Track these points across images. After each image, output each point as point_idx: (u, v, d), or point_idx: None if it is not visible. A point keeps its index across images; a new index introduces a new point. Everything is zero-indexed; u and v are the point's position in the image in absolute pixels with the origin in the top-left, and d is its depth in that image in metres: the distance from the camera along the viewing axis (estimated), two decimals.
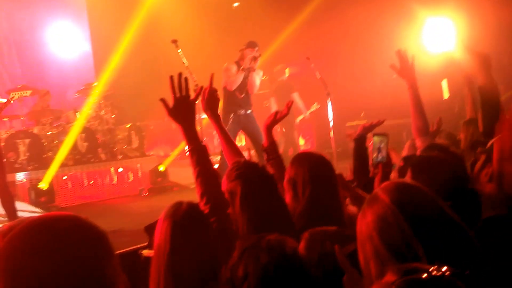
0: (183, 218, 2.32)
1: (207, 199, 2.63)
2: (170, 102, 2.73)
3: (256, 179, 2.69)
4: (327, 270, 1.95)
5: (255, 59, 7.85)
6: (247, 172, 2.70)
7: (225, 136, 3.28)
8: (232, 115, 7.95)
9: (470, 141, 4.32)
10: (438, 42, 11.79)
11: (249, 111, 8.10)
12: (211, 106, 3.17)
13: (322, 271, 2.01)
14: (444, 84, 12.00)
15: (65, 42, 12.76)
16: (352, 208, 3.12)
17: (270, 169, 3.18)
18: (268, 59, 11.11)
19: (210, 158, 2.77)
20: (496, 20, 10.38)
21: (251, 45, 7.95)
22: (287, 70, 11.04)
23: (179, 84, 2.74)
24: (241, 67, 7.86)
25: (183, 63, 7.20)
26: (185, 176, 9.73)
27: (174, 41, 7.17)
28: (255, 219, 2.58)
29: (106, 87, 10.35)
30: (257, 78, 8.02)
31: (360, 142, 3.92)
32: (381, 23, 11.74)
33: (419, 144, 3.75)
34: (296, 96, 10.69)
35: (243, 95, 8.05)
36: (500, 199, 2.22)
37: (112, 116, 10.45)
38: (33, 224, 1.25)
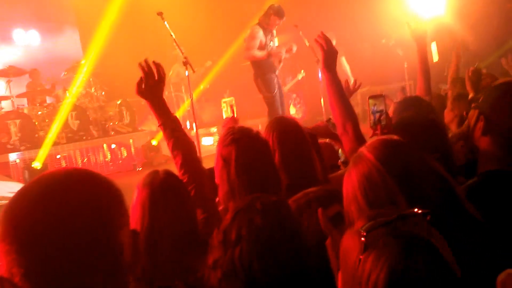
0: (161, 186, 2.32)
1: (185, 169, 2.67)
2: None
3: (250, 144, 2.67)
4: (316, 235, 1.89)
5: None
6: (241, 137, 2.68)
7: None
8: (274, 76, 7.91)
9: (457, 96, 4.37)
10: (427, 6, 11.73)
11: (278, 72, 8.04)
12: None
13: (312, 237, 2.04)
14: (433, 47, 12.00)
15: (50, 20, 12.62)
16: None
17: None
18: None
19: (182, 129, 2.79)
20: None
21: (280, 14, 7.83)
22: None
23: (147, 66, 2.85)
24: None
25: (170, 35, 7.14)
26: None
27: (160, 14, 7.08)
28: (249, 184, 2.58)
29: (94, 64, 10.28)
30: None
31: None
32: None
33: None
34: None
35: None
36: (497, 154, 2.21)
37: (102, 93, 10.43)
38: (41, 178, 1.17)
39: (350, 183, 1.76)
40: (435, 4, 11.58)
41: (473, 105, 3.32)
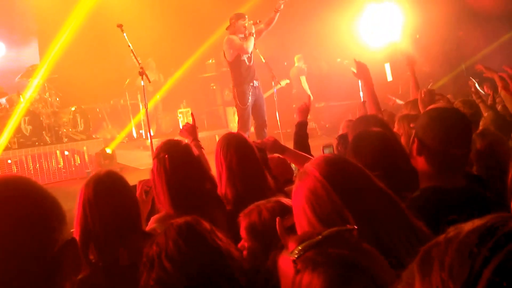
0: (101, 182, 2.47)
1: None
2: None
3: (175, 158, 2.83)
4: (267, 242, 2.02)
5: (255, 24, 7.91)
6: (167, 151, 2.86)
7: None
8: (249, 87, 7.93)
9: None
10: (381, 33, 12.01)
11: (257, 83, 8.08)
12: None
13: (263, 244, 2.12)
14: (387, 68, 12.34)
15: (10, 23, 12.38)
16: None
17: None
18: (215, 44, 11.15)
19: None
20: (441, 6, 10.70)
21: (241, 16, 7.97)
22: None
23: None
24: (249, 32, 7.84)
25: (128, 46, 7.19)
26: (132, 158, 9.73)
27: (120, 26, 7.15)
28: (173, 194, 2.78)
29: (50, 70, 10.16)
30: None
31: (301, 127, 4.02)
32: (317, 9, 11.91)
33: None
34: None
35: (251, 63, 8.05)
36: (430, 172, 2.37)
37: (56, 99, 10.29)
38: None
39: (298, 198, 1.84)
40: (391, 30, 11.91)
41: (411, 125, 3.53)
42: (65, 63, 10.81)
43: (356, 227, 1.36)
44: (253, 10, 12.04)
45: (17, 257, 1.08)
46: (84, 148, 10.02)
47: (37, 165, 9.28)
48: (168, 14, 12.74)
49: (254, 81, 8.00)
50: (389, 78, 12.42)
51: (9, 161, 8.99)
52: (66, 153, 9.75)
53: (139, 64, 7.11)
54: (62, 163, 9.64)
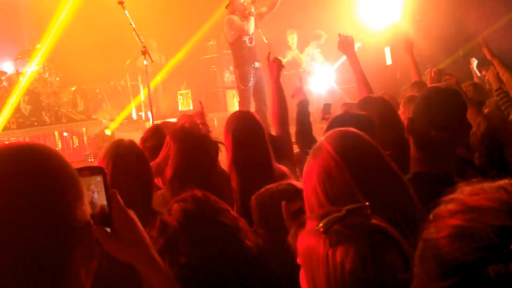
0: (124, 152, 2.45)
1: None
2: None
3: (184, 139, 2.79)
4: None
5: (253, 2, 7.81)
6: (178, 133, 2.83)
7: None
8: (251, 68, 7.84)
9: None
10: (381, 14, 11.94)
11: (259, 64, 7.97)
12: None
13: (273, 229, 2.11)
14: (387, 51, 12.26)
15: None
16: None
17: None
18: (216, 25, 11.07)
19: None
20: None
21: None
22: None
23: None
24: (248, 12, 7.71)
25: (130, 24, 7.11)
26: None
27: (121, 3, 7.05)
28: (182, 174, 2.71)
29: (50, 49, 10.07)
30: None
31: (303, 106, 3.96)
32: None
33: None
34: None
35: (253, 44, 7.95)
36: (417, 157, 2.35)
37: (56, 79, 10.22)
38: None
39: (309, 176, 1.80)
40: (391, 11, 11.82)
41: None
42: (64, 42, 10.72)
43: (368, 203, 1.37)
44: None
45: (26, 235, 0.97)
46: (83, 129, 9.97)
47: None
48: None
49: (256, 63, 7.94)
50: (389, 62, 12.34)
51: (7, 142, 8.94)
52: (65, 134, 9.70)
53: (141, 43, 7.03)
54: (60, 145, 9.59)
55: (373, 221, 1.33)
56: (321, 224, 1.29)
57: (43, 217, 0.99)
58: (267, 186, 2.28)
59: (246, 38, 7.85)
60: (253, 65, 7.90)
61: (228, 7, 7.98)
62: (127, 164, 2.41)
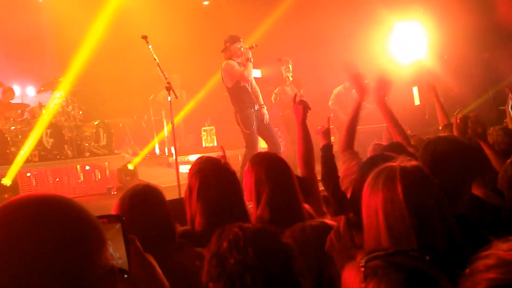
0: (137, 194, 2.58)
1: None
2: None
3: (214, 175, 2.86)
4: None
5: (251, 48, 7.80)
6: (206, 167, 2.90)
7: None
8: (252, 111, 7.79)
9: None
10: (408, 50, 11.92)
11: (257, 107, 7.93)
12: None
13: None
14: (415, 91, 12.16)
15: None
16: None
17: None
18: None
19: None
20: (466, 25, 10.48)
21: (236, 39, 7.86)
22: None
23: None
24: (247, 58, 7.71)
25: (154, 59, 7.07)
26: (154, 175, 9.58)
27: (145, 37, 7.03)
28: (208, 212, 2.79)
29: (73, 82, 10.10)
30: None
31: (327, 149, 3.86)
32: (349, 26, 11.77)
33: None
34: None
35: (252, 88, 7.94)
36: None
37: (79, 112, 10.24)
38: (14, 203, 1.09)
39: (373, 197, 1.81)
40: (416, 48, 11.76)
41: None
42: (88, 75, 10.75)
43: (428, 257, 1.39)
44: (278, 27, 12.03)
45: (53, 282, 1.01)
46: (106, 163, 9.94)
47: (57, 179, 9.19)
48: (191, 27, 12.72)
49: (255, 106, 7.87)
50: (417, 102, 12.23)
51: (28, 174, 8.92)
52: (87, 168, 9.68)
53: (166, 78, 6.97)
54: (82, 178, 9.57)
55: (419, 264, 1.34)
56: (363, 259, 1.35)
57: (69, 263, 1.02)
58: (299, 223, 2.32)
59: (246, 83, 7.81)
60: (254, 108, 7.84)
61: (225, 52, 7.92)
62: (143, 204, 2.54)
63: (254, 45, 7.92)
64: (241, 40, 7.88)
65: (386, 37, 12.08)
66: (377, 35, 11.92)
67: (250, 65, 7.72)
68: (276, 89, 9.97)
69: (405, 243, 1.67)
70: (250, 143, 7.82)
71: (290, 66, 9.86)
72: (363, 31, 11.58)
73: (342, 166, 3.52)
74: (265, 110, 7.98)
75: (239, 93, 7.80)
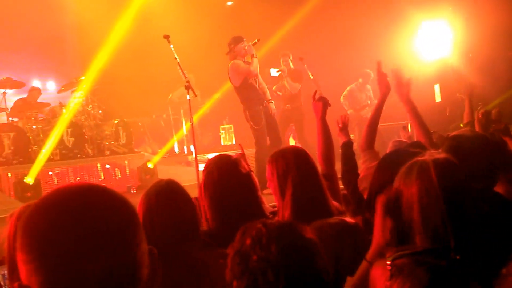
0: (162, 189, 2.62)
1: None
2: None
3: (217, 171, 2.86)
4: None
5: (254, 44, 7.90)
6: (214, 165, 2.91)
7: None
8: (261, 107, 7.88)
9: None
10: (433, 48, 11.83)
11: (265, 103, 8.02)
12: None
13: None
14: (437, 88, 12.06)
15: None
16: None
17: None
18: (262, 59, 10.99)
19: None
20: (494, 23, 10.36)
21: (239, 39, 7.93)
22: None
23: None
24: (251, 54, 7.82)
25: (175, 59, 7.09)
26: (174, 174, 9.59)
27: (166, 37, 7.06)
28: (221, 210, 2.79)
29: (94, 82, 10.17)
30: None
31: (347, 147, 3.82)
32: (375, 26, 11.70)
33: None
34: None
35: (259, 84, 8.02)
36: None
37: (99, 112, 10.32)
38: (59, 191, 1.14)
39: (409, 189, 1.76)
40: (441, 46, 11.65)
41: None
42: (108, 75, 10.82)
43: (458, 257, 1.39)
44: (302, 28, 11.98)
45: (101, 258, 1.07)
46: (126, 162, 10.02)
47: (78, 178, 9.27)
48: (214, 28, 12.72)
49: (264, 102, 7.96)
50: (438, 99, 12.12)
51: (50, 173, 9.00)
52: (107, 166, 9.74)
53: (185, 77, 7.01)
54: (102, 176, 9.67)
55: (446, 263, 1.35)
56: (390, 257, 1.37)
57: (114, 247, 1.09)
58: (318, 221, 2.33)
59: (253, 80, 7.89)
60: (263, 105, 7.92)
61: (230, 54, 7.99)
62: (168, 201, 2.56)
63: (256, 40, 8.02)
64: (245, 39, 7.95)
65: (411, 35, 12.00)
66: (403, 33, 11.85)
67: (255, 60, 7.83)
68: (274, 87, 9.94)
69: (441, 236, 1.60)
70: (259, 138, 7.91)
71: (289, 59, 9.86)
72: (389, 30, 11.52)
73: (362, 165, 3.48)
74: (272, 105, 8.09)
75: (247, 91, 7.90)
